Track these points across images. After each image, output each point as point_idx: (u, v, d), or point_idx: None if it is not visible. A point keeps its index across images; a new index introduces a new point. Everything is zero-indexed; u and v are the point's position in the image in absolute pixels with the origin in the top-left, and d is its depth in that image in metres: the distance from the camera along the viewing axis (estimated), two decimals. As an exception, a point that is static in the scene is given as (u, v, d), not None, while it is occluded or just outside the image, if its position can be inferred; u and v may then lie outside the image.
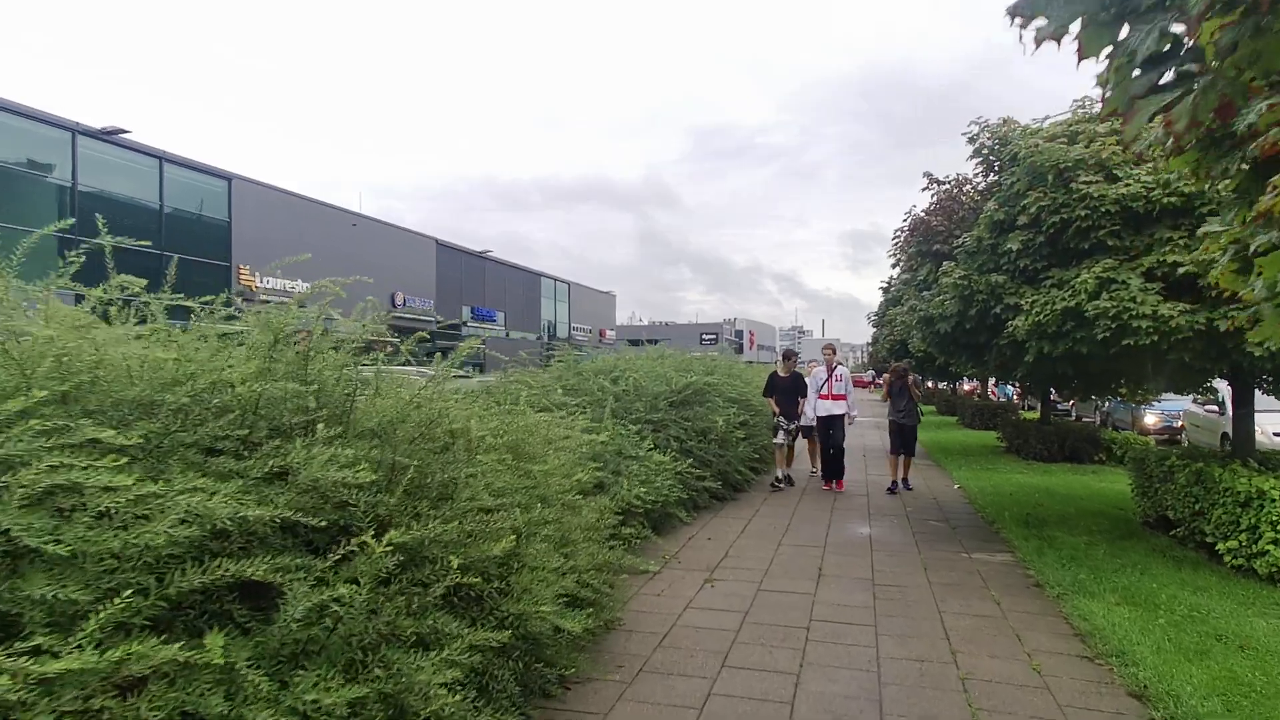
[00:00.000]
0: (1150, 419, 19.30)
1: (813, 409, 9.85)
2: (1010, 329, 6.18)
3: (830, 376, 9.87)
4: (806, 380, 10.05)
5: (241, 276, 29.01)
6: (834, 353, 10.16)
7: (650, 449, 6.96)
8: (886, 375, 10.31)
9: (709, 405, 9.07)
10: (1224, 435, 15.34)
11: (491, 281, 50.62)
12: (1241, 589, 5.30)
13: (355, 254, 36.53)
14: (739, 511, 8.30)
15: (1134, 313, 5.37)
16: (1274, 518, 5.34)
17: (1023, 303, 6.10)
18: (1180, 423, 17.88)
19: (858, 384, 62.61)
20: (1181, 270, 5.33)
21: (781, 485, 9.70)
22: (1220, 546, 5.79)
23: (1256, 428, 14.87)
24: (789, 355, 10.21)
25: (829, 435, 9.84)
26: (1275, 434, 14.37)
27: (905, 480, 9.90)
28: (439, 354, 4.60)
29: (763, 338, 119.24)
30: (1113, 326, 5.49)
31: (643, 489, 5.95)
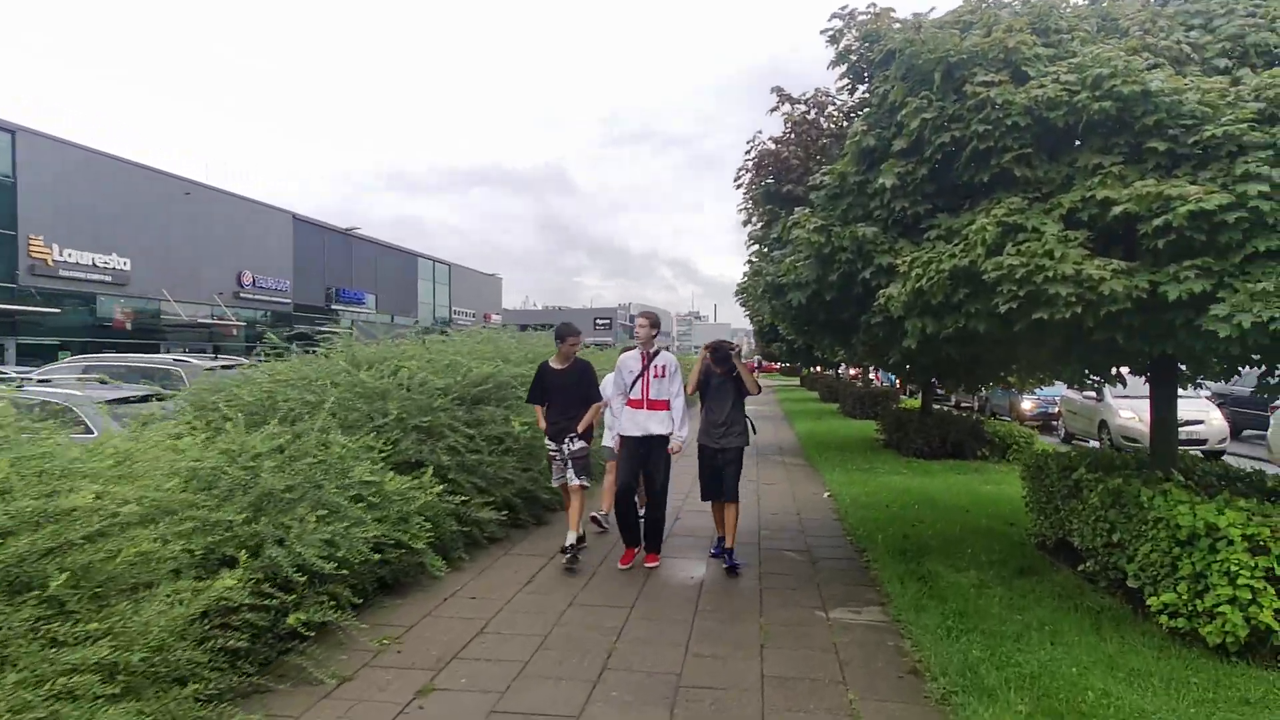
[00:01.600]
0: (1027, 405, 18.75)
1: (614, 427, 5.98)
2: (882, 299, 4.39)
3: (646, 370, 5.63)
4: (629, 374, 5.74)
5: (32, 248, 24.52)
6: (655, 328, 5.82)
7: (382, 469, 4.79)
8: (702, 356, 5.90)
9: (512, 404, 6.97)
10: (1101, 423, 14.65)
11: (360, 261, 46.64)
12: (1192, 671, 3.69)
13: (193, 228, 32.18)
14: (541, 545, 6.25)
15: (1050, 273, 3.64)
16: (1231, 567, 3.76)
17: (898, 263, 4.31)
18: (1057, 409, 17.29)
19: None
20: (1116, 210, 3.64)
21: (570, 554, 5.59)
22: (1152, 601, 4.20)
23: (1128, 412, 14.33)
24: (565, 334, 5.90)
25: (644, 471, 5.71)
26: (1142, 420, 13.75)
27: (729, 552, 5.62)
28: None
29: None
30: (1020, 294, 3.76)
31: (314, 546, 3.76)
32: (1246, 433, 15.07)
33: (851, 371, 30.89)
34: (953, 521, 6.99)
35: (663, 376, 5.68)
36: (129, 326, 28.22)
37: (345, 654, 3.91)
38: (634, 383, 5.69)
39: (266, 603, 3.42)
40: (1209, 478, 5.30)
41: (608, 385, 6.21)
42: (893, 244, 4.50)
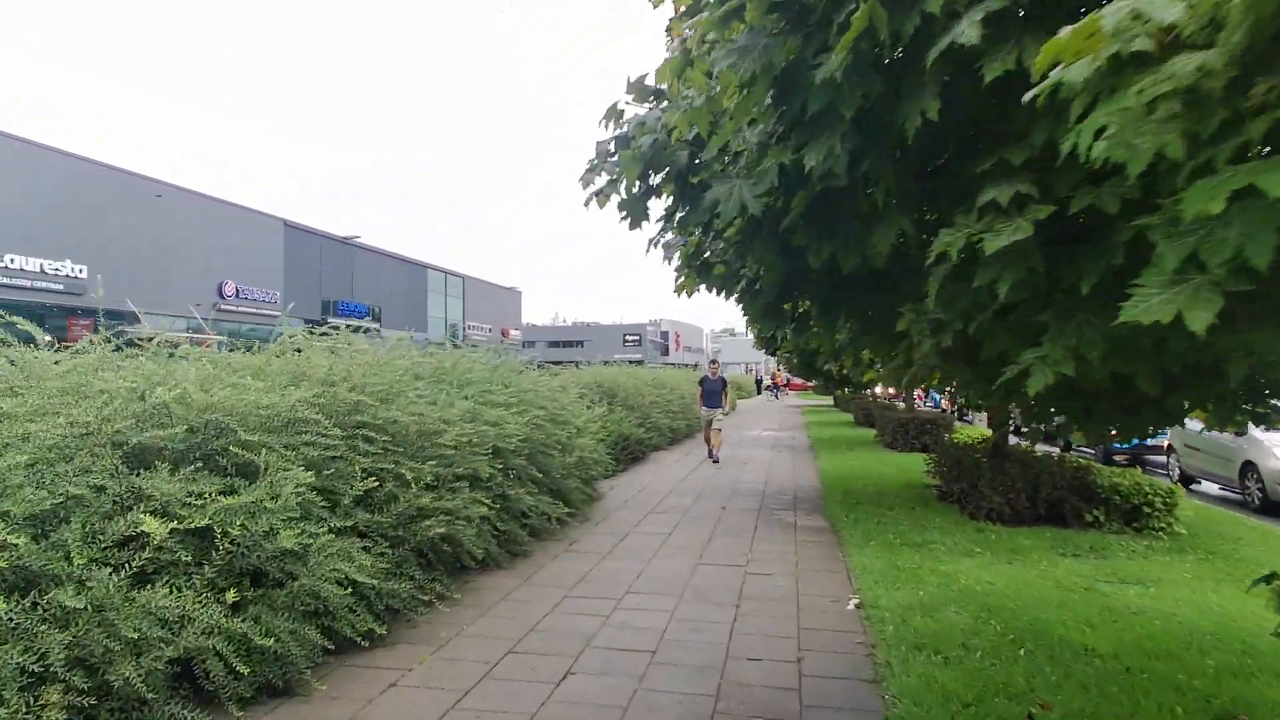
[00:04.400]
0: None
1: None
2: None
3: None
4: None
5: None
6: None
7: None
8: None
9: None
10: (1245, 466, 10.57)
11: (362, 273, 44.02)
12: None
13: (166, 234, 29.59)
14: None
15: None
16: None
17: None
18: (1166, 441, 13.06)
19: (776, 383, 55.23)
20: None
21: None
22: None
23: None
24: None
25: None
26: (1330, 465, 9.75)
27: None
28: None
29: (689, 339, 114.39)
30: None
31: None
32: None
33: (890, 390, 26.56)
34: (1117, 710, 3.33)
35: None
36: (90, 340, 25.58)
37: None
38: None
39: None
40: None
41: None
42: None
